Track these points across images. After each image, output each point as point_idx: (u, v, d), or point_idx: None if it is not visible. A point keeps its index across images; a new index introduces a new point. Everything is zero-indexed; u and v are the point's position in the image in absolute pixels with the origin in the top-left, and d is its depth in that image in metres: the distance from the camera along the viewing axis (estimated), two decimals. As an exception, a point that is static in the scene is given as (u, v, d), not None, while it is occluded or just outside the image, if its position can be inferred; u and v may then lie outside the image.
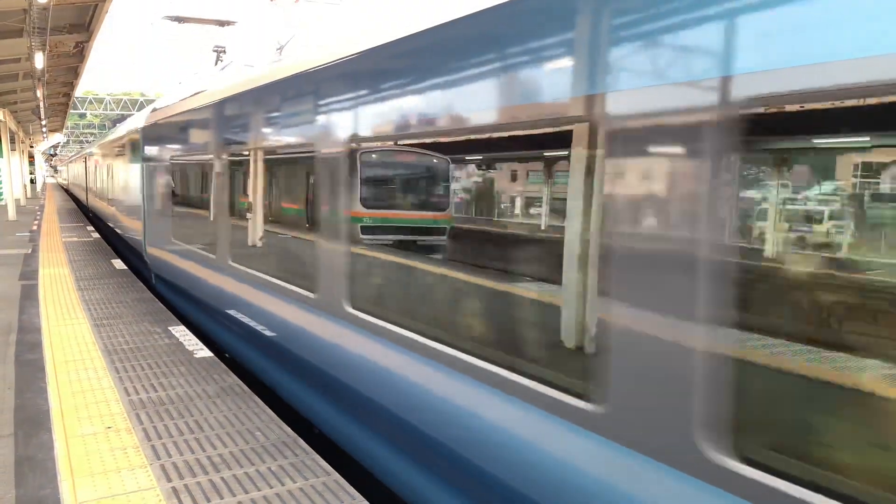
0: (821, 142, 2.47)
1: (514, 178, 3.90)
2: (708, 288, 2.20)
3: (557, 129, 2.91)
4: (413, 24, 3.74)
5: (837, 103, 1.93)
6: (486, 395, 3.23)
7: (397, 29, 3.91)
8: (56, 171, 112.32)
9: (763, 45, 2.03)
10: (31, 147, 54.52)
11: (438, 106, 3.49)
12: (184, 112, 9.04)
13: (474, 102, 3.21)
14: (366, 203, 4.60)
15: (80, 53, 20.32)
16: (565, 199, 2.91)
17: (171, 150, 9.95)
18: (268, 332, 5.90)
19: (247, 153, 6.53)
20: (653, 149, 2.41)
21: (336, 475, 4.27)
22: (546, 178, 3.63)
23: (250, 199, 6.51)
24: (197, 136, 8.54)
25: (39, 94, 23.30)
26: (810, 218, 2.36)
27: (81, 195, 34.54)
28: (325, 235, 4.72)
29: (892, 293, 2.22)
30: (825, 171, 2.42)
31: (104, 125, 78.40)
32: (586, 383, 2.70)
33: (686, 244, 2.26)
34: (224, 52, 14.35)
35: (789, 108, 2.05)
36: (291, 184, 6.17)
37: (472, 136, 3.42)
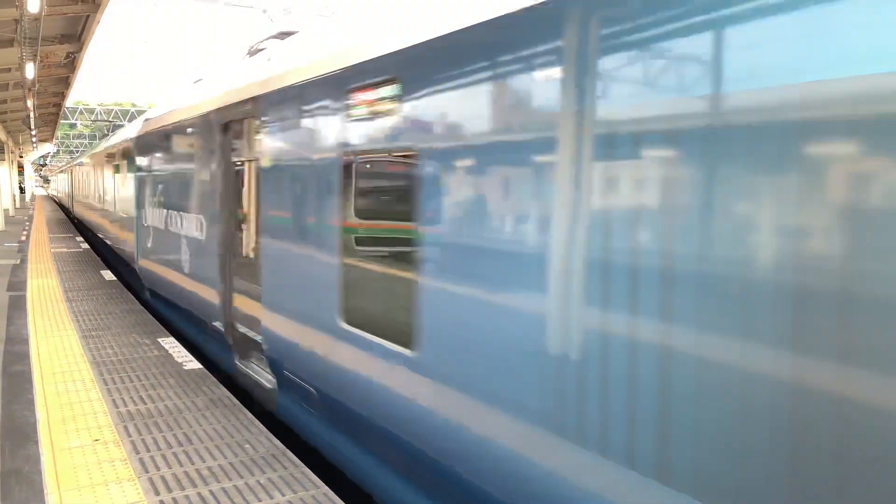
0: None
1: None
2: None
3: None
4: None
5: None
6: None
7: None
8: (46, 181, 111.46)
9: None
10: (21, 157, 54.24)
11: None
12: None
13: None
14: None
15: (71, 64, 20.29)
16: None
17: None
18: None
19: None
20: None
21: (325, 488, 4.26)
22: None
23: None
24: None
25: (30, 104, 23.24)
26: None
27: (124, 249, 13.23)
28: None
29: None
30: None
31: (94, 135, 78.11)
32: None
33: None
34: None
35: None
36: None
37: None
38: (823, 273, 1.91)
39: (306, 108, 4.88)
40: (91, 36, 16.63)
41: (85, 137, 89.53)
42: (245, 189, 6.40)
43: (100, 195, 17.84)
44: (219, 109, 6.72)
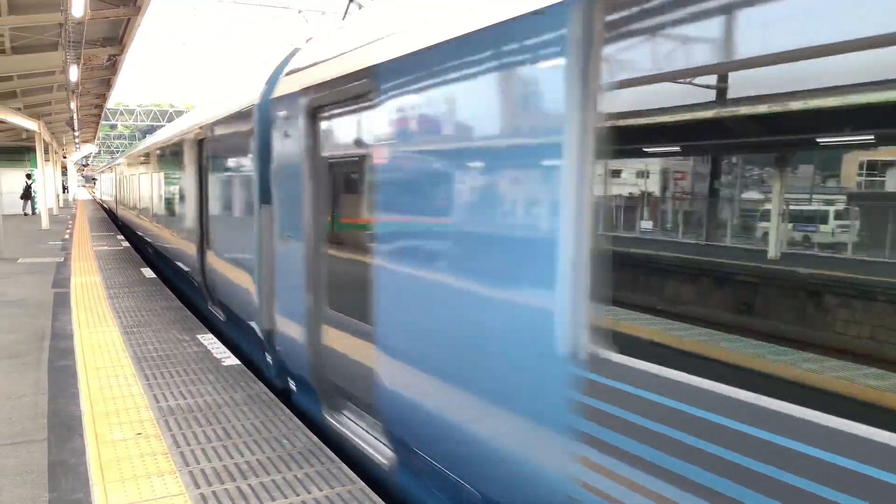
0: None
1: None
2: None
3: None
4: None
5: None
6: None
7: None
8: (88, 181, 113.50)
9: None
10: (64, 157, 55.73)
11: None
12: None
13: None
14: None
15: (113, 66, 20.76)
16: None
17: None
18: None
19: None
20: None
21: (361, 483, 4.29)
22: None
23: None
24: None
25: (73, 105, 23.83)
26: None
27: None
28: None
29: None
30: None
31: (134, 136, 79.89)
32: None
33: None
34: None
35: None
36: None
37: None
38: None
39: None
40: (132, 39, 17.00)
41: (125, 138, 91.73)
42: None
43: None
44: None
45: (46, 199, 27.86)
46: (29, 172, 34.83)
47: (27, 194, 34.86)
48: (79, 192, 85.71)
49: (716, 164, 2.56)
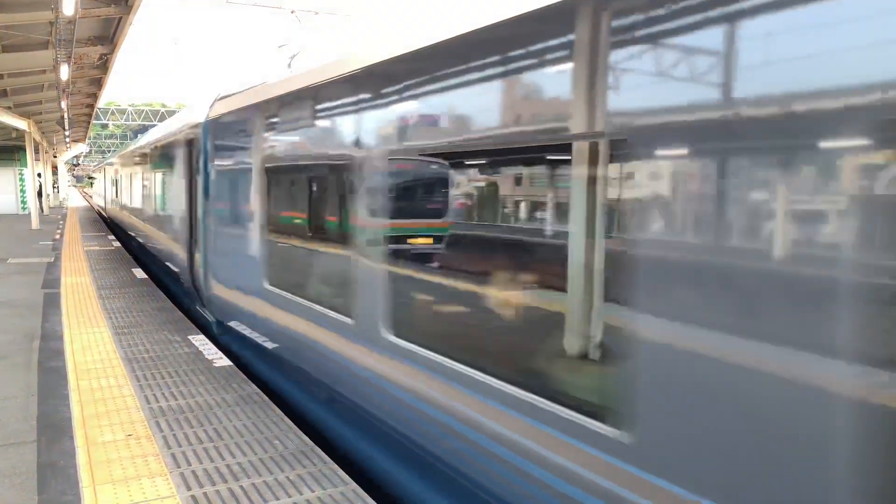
0: None
1: None
2: None
3: None
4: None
5: None
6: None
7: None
8: (80, 181, 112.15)
9: None
10: (55, 157, 55.41)
11: None
12: None
13: None
14: None
15: (104, 65, 20.65)
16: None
17: None
18: None
19: None
20: None
21: (354, 485, 4.28)
22: None
23: None
24: None
25: (64, 105, 23.70)
26: None
27: None
28: None
29: None
30: None
31: (126, 135, 79.57)
32: None
33: None
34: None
35: None
36: None
37: None
38: None
39: None
40: (123, 37, 16.93)
41: (116, 138, 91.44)
42: None
43: None
44: None
45: (35, 199, 27.69)
46: (39, 172, 34.95)
47: (39, 193, 34.90)
48: (70, 193, 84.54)
49: None
